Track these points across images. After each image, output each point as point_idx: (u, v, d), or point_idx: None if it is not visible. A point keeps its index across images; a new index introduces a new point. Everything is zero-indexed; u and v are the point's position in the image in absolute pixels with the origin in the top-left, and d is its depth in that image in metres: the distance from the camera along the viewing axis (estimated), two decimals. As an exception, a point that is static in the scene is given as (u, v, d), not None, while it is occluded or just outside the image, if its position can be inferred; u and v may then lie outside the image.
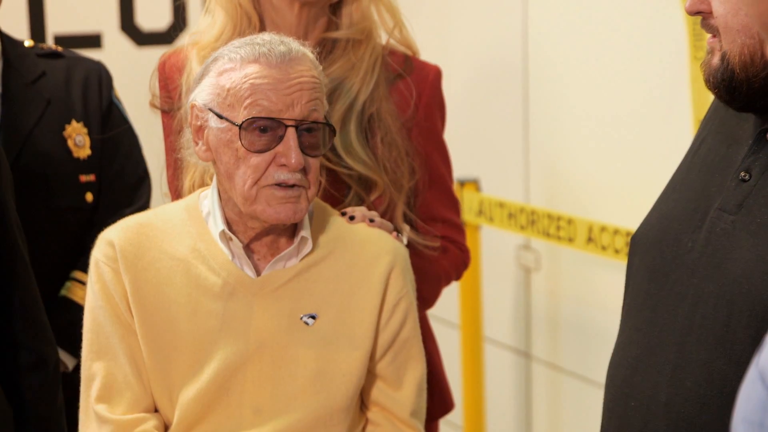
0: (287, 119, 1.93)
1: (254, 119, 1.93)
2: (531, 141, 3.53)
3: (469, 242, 3.51)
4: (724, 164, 1.68)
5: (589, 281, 3.36)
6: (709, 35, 1.65)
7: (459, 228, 2.44)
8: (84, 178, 2.64)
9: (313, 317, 2.02)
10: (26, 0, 3.69)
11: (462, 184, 3.56)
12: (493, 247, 3.67)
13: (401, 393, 2.08)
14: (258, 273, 2.03)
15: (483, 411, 3.64)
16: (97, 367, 2.00)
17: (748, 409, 1.02)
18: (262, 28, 2.27)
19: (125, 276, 2.00)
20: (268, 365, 1.99)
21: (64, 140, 2.62)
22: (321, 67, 2.02)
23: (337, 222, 2.11)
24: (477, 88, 3.75)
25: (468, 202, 3.54)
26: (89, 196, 2.64)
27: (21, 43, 2.66)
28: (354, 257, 2.07)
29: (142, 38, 3.73)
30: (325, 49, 2.27)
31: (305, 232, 2.03)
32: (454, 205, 2.44)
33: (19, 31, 3.52)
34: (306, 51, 2.00)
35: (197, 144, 2.01)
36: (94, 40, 3.75)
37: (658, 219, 1.76)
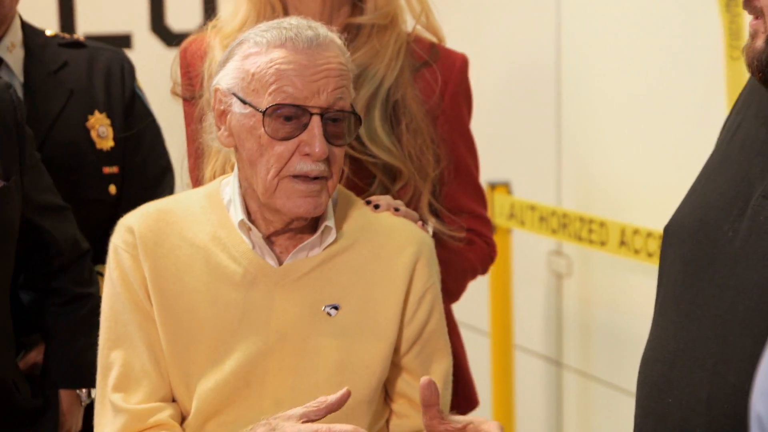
0: (312, 107, 1.89)
1: (278, 106, 1.88)
2: (563, 143, 3.50)
3: (500, 247, 3.49)
4: (765, 149, 1.63)
5: (621, 287, 3.32)
6: (751, 17, 1.60)
7: (485, 220, 2.40)
8: (107, 169, 2.62)
9: (336, 308, 1.98)
10: (57, 0, 3.69)
11: (493, 187, 3.54)
12: (525, 253, 3.64)
13: None
14: (280, 262, 1.99)
15: (513, 420, 3.60)
16: (114, 356, 1.96)
17: (766, 381, 0.99)
18: (286, 16, 2.22)
19: (144, 263, 1.96)
20: (289, 356, 1.95)
21: (87, 131, 2.60)
22: (348, 54, 1.98)
23: (361, 211, 2.07)
24: (509, 90, 3.73)
25: (499, 205, 3.51)
26: (112, 188, 2.62)
27: (42, 32, 2.65)
28: (378, 247, 2.02)
29: (172, 39, 3.72)
30: (350, 36, 2.23)
31: (329, 222, 1.99)
32: (481, 196, 2.40)
33: (50, 31, 3.52)
34: (334, 36, 1.95)
35: (219, 129, 1.97)
36: (124, 41, 3.77)
37: (693, 208, 1.71)
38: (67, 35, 2.70)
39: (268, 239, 1.99)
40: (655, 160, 3.17)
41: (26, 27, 2.60)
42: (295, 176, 1.91)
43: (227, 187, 2.03)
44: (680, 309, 1.64)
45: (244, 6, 2.24)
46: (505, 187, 3.56)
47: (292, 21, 1.95)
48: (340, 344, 1.96)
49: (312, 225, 2.00)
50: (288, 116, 1.89)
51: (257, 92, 1.90)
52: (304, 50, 1.90)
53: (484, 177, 3.55)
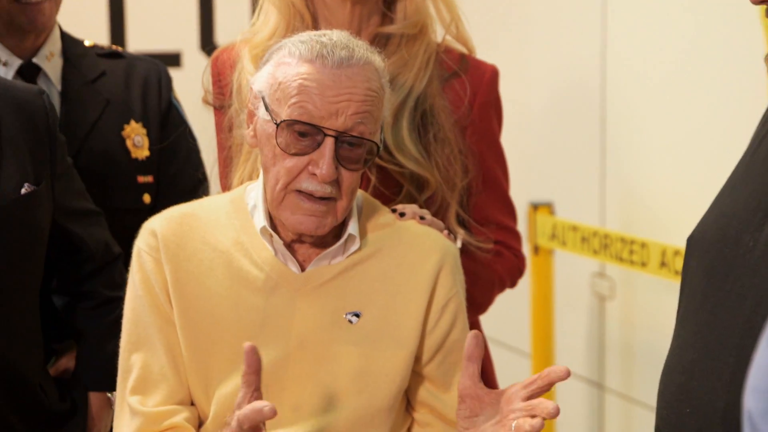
0: (328, 128, 1.88)
1: (293, 122, 1.88)
2: (608, 164, 3.49)
3: (543, 268, 3.52)
4: (789, 160, 1.60)
5: (664, 309, 3.28)
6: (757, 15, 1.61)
7: (514, 233, 2.38)
8: (142, 179, 2.63)
9: (357, 315, 1.97)
10: (107, 18, 3.76)
11: (536, 207, 3.53)
12: (567, 274, 3.62)
13: (450, 395, 2.01)
14: (302, 269, 1.98)
15: (554, 443, 3.56)
16: (134, 359, 1.97)
17: (758, 378, 0.99)
18: (315, 27, 2.24)
19: (166, 266, 1.97)
20: (309, 363, 1.95)
21: (122, 140, 2.61)
22: (385, 79, 1.96)
23: (386, 218, 2.06)
24: (554, 110, 3.72)
25: (541, 225, 3.49)
26: (147, 198, 2.63)
27: (81, 42, 2.67)
28: (402, 255, 2.01)
29: (221, 57, 3.76)
30: (378, 45, 2.22)
31: (352, 229, 1.99)
32: (510, 209, 2.38)
33: (100, 49, 3.57)
34: (373, 60, 1.93)
35: (248, 127, 1.98)
36: (173, 59, 3.80)
37: (716, 218, 1.70)
38: (105, 45, 2.73)
39: (290, 246, 1.98)
40: (700, 181, 3.14)
41: (65, 37, 2.63)
42: (301, 192, 1.90)
43: (252, 193, 2.03)
44: (700, 318, 1.63)
45: (274, 16, 2.25)
46: (548, 207, 3.54)
47: (333, 36, 1.94)
48: (360, 352, 1.95)
49: (336, 233, 1.99)
50: (303, 132, 1.88)
51: (280, 102, 1.90)
52: (332, 69, 1.88)
53: (527, 197, 3.62)
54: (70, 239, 2.34)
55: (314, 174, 1.88)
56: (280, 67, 1.92)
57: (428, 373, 2.02)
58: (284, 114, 1.88)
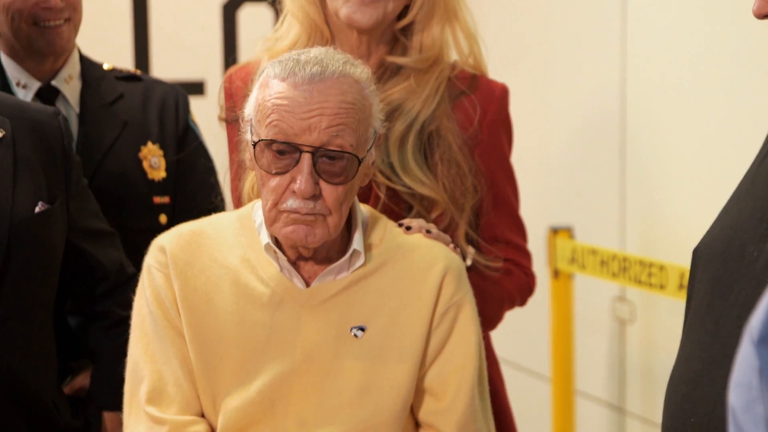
0: (303, 145, 1.89)
1: (269, 141, 1.90)
2: (628, 188, 3.48)
3: (562, 292, 3.51)
4: (795, 170, 1.59)
5: (684, 332, 3.26)
6: None
7: (524, 252, 2.37)
8: (158, 199, 2.65)
9: (363, 329, 1.98)
10: (132, 46, 3.80)
11: (555, 231, 3.53)
12: (587, 298, 3.61)
13: (446, 404, 2.02)
14: (308, 285, 2.00)
15: (575, 467, 3.55)
16: (147, 369, 1.99)
17: (738, 373, 0.99)
18: (334, 44, 2.25)
19: (175, 282, 1.99)
20: (314, 377, 1.96)
21: (139, 161, 2.64)
22: (369, 90, 1.96)
23: (392, 233, 2.07)
24: (574, 135, 3.72)
25: (561, 249, 3.49)
26: (163, 218, 2.64)
27: (100, 65, 2.71)
28: (407, 268, 2.03)
29: (244, 86, 3.79)
30: (390, 72, 2.26)
31: (357, 245, 2.00)
32: (520, 227, 2.38)
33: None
34: (352, 72, 1.94)
35: (246, 152, 2.01)
36: (197, 87, 3.83)
37: (721, 229, 1.70)
38: (124, 69, 2.76)
39: (295, 263, 2.00)
40: (719, 204, 3.12)
41: (84, 60, 2.67)
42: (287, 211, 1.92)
43: (259, 211, 2.04)
44: (705, 329, 1.63)
45: (296, 28, 2.26)
46: (568, 231, 3.54)
47: (312, 53, 1.96)
48: (365, 366, 1.97)
49: (341, 249, 2.01)
50: (281, 151, 1.90)
51: (260, 124, 1.93)
52: (302, 86, 1.89)
53: (547, 221, 3.62)
54: (85, 259, 2.36)
55: (294, 191, 1.90)
56: (261, 89, 1.94)
57: (426, 382, 2.02)
58: (263, 134, 1.91)
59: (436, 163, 2.22)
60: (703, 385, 1.59)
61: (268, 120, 1.90)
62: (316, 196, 1.90)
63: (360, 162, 1.93)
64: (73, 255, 2.33)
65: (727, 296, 1.60)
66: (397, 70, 2.26)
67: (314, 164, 1.89)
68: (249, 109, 1.97)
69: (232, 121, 2.30)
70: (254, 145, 1.91)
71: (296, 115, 1.88)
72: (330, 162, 1.90)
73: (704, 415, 1.57)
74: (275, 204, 1.92)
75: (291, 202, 1.91)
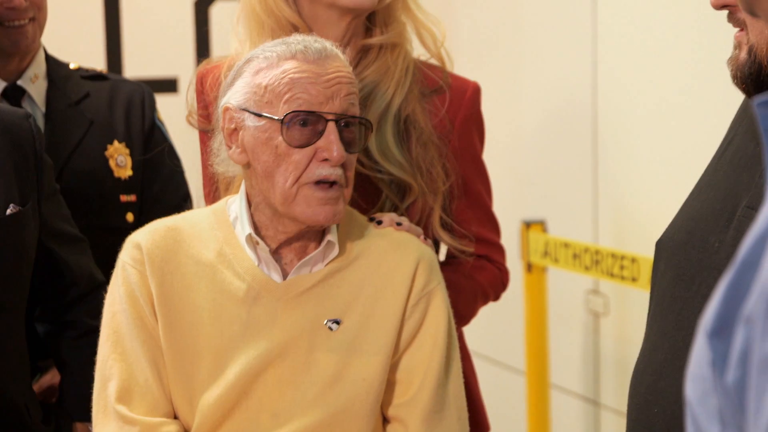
0: (327, 113, 1.94)
1: (296, 113, 1.93)
2: (600, 181, 3.49)
3: (536, 285, 3.50)
4: (753, 162, 1.62)
5: (657, 324, 3.27)
6: (736, 30, 1.60)
7: (498, 247, 2.38)
8: (125, 197, 2.65)
9: (338, 322, 1.99)
10: (104, 44, 3.78)
11: (528, 225, 3.53)
12: (561, 292, 3.61)
13: (411, 397, 2.02)
14: (285, 275, 2.01)
15: (551, 460, 3.55)
16: (117, 368, 1.98)
17: (693, 365, 0.99)
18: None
19: (151, 279, 1.99)
20: (288, 370, 1.97)
21: (105, 160, 2.64)
22: (351, 68, 2.03)
23: (364, 226, 2.09)
24: (546, 129, 3.72)
25: (534, 243, 3.49)
26: (130, 216, 2.65)
27: (66, 65, 2.71)
28: (379, 262, 2.04)
29: (219, 83, 3.77)
30: (361, 54, 2.27)
31: (332, 237, 2.02)
32: (493, 224, 2.39)
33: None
34: (338, 51, 2.01)
35: (230, 148, 2.00)
36: (170, 85, 3.81)
37: (683, 221, 1.71)
38: (90, 68, 2.77)
39: (276, 252, 2.01)
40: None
41: (50, 60, 2.67)
42: (316, 183, 1.94)
43: (233, 206, 2.06)
44: (668, 320, 1.64)
45: (269, 34, 2.23)
46: (541, 225, 3.54)
47: (298, 37, 2.01)
48: (339, 358, 1.98)
49: (318, 239, 2.02)
50: (304, 122, 1.93)
51: (271, 103, 1.95)
52: (315, 60, 1.95)
53: (520, 215, 3.62)
54: (55, 262, 2.36)
55: (325, 159, 1.93)
56: (260, 73, 1.96)
57: (395, 373, 2.02)
58: (281, 111, 1.93)
59: (412, 147, 2.23)
60: (666, 376, 1.60)
61: (288, 96, 1.94)
62: (340, 166, 1.95)
63: (371, 128, 2.02)
64: (44, 258, 2.33)
65: (690, 287, 1.62)
66: (367, 52, 2.27)
67: (339, 132, 1.95)
68: (240, 99, 1.98)
69: (205, 131, 2.27)
70: (281, 120, 1.93)
71: (318, 85, 1.94)
72: (348, 130, 1.97)
73: (667, 406, 1.58)
74: (297, 178, 1.94)
75: (320, 170, 1.94)
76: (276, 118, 1.93)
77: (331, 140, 1.93)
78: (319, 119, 1.93)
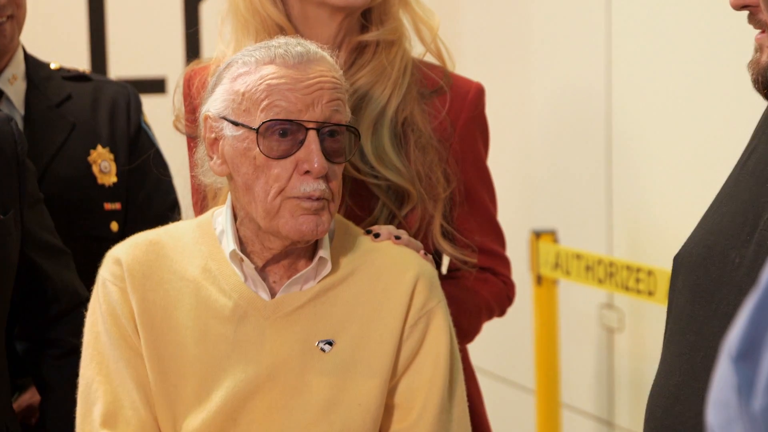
0: (307, 121, 1.85)
1: (273, 122, 1.84)
2: (614, 190, 3.45)
3: (546, 299, 3.47)
4: (776, 173, 1.58)
5: (674, 341, 3.19)
6: (757, 32, 1.59)
7: (502, 259, 2.30)
8: (109, 206, 2.58)
9: (330, 343, 1.92)
10: (88, 43, 3.75)
11: (538, 235, 3.48)
12: (573, 306, 3.57)
13: (411, 421, 1.95)
14: (273, 294, 1.93)
15: (562, 483, 3.52)
16: (102, 390, 1.92)
17: (716, 390, 0.98)
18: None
19: (132, 296, 1.93)
20: (279, 394, 1.90)
21: (88, 166, 2.56)
22: (341, 71, 1.94)
23: (360, 241, 2.01)
24: (558, 136, 3.71)
25: (544, 254, 3.44)
26: (114, 226, 2.57)
27: (47, 65, 2.64)
28: (376, 278, 1.96)
29: (208, 83, 3.74)
30: (355, 54, 2.20)
31: (324, 253, 1.93)
32: (497, 234, 2.30)
33: (81, 74, 3.58)
34: (324, 54, 1.92)
35: (212, 158, 1.93)
36: (158, 85, 3.80)
37: (702, 235, 1.67)
38: (72, 68, 2.69)
39: (263, 270, 1.94)
40: (708, 205, 3.07)
41: (29, 59, 2.59)
42: (297, 197, 1.86)
43: (219, 218, 1.99)
44: (686, 340, 1.61)
45: (253, 36, 2.17)
46: (551, 235, 3.49)
47: (281, 40, 1.94)
48: (332, 382, 1.91)
49: (309, 255, 1.95)
50: (283, 132, 1.85)
51: (248, 111, 1.87)
52: (295, 65, 1.87)
53: (530, 225, 3.58)
54: (37, 276, 2.29)
55: (307, 173, 1.85)
56: (239, 79, 1.89)
57: (394, 397, 1.95)
58: (258, 120, 1.85)
59: (410, 151, 2.17)
60: (683, 399, 1.57)
61: (265, 103, 1.85)
62: (324, 178, 1.88)
63: (359, 137, 1.95)
64: (25, 271, 2.26)
65: (709, 305, 1.57)
66: (363, 51, 2.21)
67: (320, 142, 1.87)
68: (219, 107, 1.91)
69: (194, 137, 2.20)
70: (256, 130, 1.85)
71: (297, 91, 1.86)
72: (332, 139, 1.88)
73: (685, 430, 1.55)
74: (280, 191, 1.86)
75: (304, 187, 1.86)
76: (253, 127, 1.86)
77: (311, 150, 1.84)
78: (299, 128, 1.85)
